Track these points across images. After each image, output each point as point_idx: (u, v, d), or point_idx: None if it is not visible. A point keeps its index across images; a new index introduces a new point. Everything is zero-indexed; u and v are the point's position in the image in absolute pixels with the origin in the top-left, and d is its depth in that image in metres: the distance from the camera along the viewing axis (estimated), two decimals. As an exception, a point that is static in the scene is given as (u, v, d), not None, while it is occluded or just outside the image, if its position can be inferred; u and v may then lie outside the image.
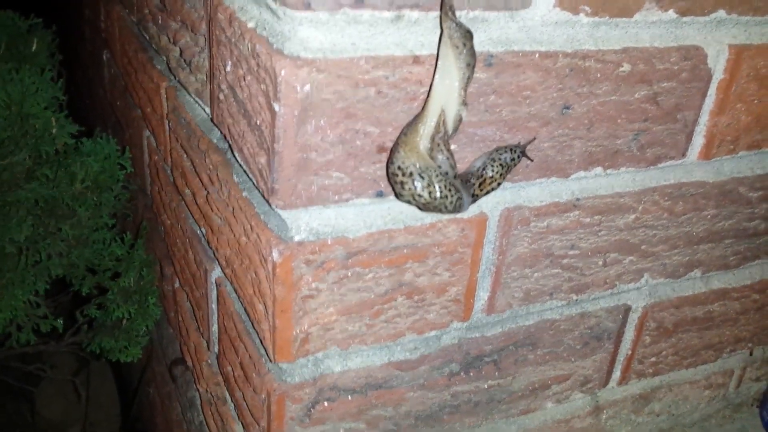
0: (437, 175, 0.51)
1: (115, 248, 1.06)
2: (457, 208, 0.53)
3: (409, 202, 0.52)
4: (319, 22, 0.46)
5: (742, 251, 0.79)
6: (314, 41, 0.46)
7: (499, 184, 0.56)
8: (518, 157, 0.57)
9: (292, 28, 0.46)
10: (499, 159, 0.56)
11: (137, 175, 1.12)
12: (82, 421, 1.69)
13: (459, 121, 0.51)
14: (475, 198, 0.56)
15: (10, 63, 0.96)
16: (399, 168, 0.50)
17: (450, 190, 0.51)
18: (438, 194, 0.51)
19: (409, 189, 0.50)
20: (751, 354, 0.92)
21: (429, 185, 0.50)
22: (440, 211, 0.52)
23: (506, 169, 0.56)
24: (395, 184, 0.51)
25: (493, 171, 0.56)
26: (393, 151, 0.51)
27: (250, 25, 0.50)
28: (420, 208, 0.52)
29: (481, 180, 0.56)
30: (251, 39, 0.50)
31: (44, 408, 1.73)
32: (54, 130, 0.97)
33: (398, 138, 0.51)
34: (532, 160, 0.59)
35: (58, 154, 1.00)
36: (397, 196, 0.52)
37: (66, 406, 1.74)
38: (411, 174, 0.50)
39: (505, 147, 0.56)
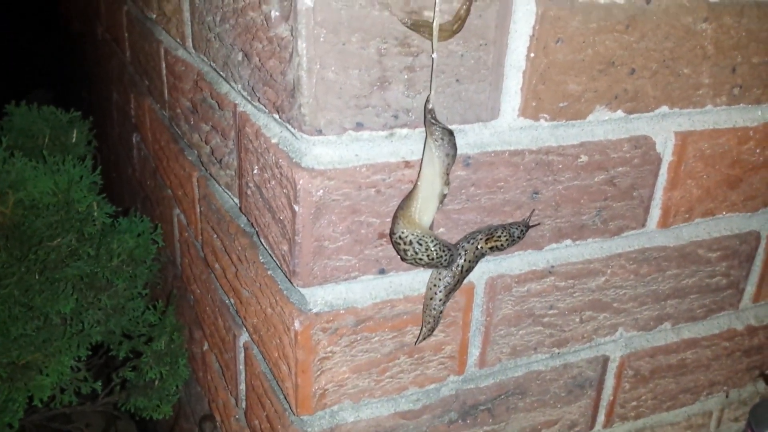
0: (432, 240, 0.62)
1: (148, 315, 1.18)
2: (449, 264, 0.64)
3: (412, 263, 0.63)
4: (329, 142, 0.58)
5: (708, 304, 0.89)
6: (325, 156, 0.58)
7: (502, 245, 0.67)
8: (524, 231, 0.68)
9: (307, 147, 0.58)
10: (509, 229, 0.67)
11: (167, 247, 1.24)
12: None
13: (443, 196, 0.62)
14: (478, 251, 0.66)
15: (56, 154, 1.09)
16: (400, 238, 0.61)
17: (444, 251, 0.63)
18: (435, 255, 0.62)
19: (411, 254, 0.62)
20: (727, 396, 0.99)
21: (426, 249, 0.62)
22: (437, 266, 0.64)
23: (512, 238, 0.67)
24: (399, 250, 0.62)
25: (501, 233, 0.67)
26: (393, 223, 0.62)
27: (274, 140, 0.63)
28: (422, 267, 0.64)
29: (488, 236, 0.66)
30: (275, 153, 0.62)
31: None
32: (95, 213, 1.10)
33: (396, 212, 0.62)
34: (538, 224, 0.70)
35: (98, 232, 1.12)
36: (402, 259, 0.63)
37: (95, 467, 1.82)
38: (411, 242, 0.61)
39: (513, 223, 0.68)
